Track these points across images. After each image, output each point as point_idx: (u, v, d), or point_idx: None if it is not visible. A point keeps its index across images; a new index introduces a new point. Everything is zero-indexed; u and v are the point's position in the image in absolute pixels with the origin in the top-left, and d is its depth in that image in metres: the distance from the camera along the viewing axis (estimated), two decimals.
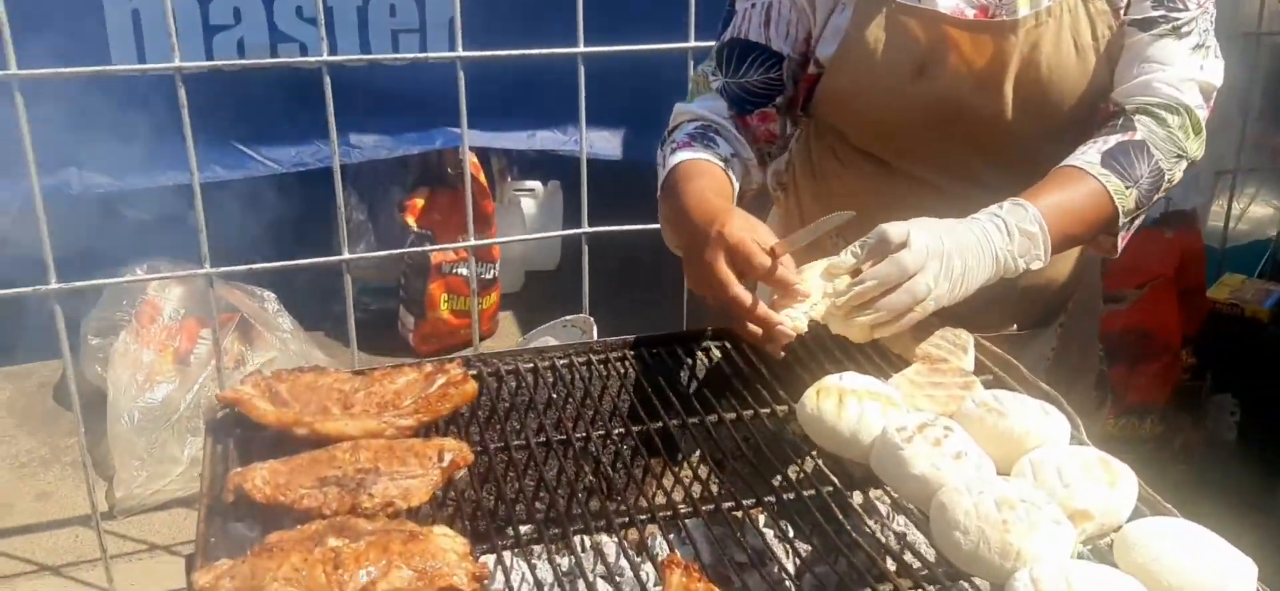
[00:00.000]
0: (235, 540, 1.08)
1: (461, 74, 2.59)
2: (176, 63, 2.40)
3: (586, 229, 2.79)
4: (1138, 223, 1.52)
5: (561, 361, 1.41)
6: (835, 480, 1.20)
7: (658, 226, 1.58)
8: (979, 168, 1.57)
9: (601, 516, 1.15)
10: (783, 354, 1.34)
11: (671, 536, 1.17)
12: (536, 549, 1.13)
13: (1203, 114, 1.51)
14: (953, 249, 1.32)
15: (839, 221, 1.37)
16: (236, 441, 1.23)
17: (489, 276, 4.06)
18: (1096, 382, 1.91)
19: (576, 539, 1.13)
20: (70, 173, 3.27)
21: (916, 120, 1.55)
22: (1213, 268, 3.43)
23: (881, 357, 1.39)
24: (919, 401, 1.25)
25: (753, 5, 1.59)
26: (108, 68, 2.96)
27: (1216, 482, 3.02)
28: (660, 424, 1.30)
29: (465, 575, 1.00)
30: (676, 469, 1.27)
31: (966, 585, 1.01)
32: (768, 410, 1.32)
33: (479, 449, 1.23)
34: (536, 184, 4.40)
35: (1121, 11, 1.51)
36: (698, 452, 1.29)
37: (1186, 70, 1.49)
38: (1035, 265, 1.39)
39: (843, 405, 1.19)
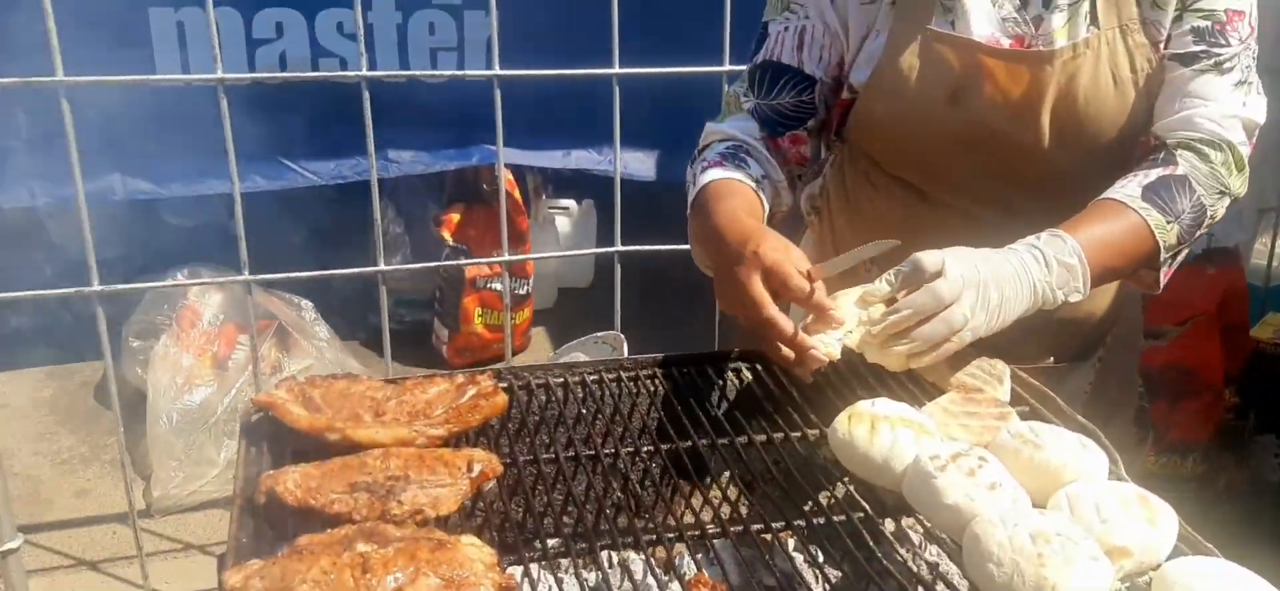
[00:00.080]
0: (266, 542, 1.09)
1: (498, 92, 2.61)
2: (219, 74, 2.44)
3: (619, 247, 2.79)
4: (1180, 258, 1.50)
5: (591, 377, 1.41)
6: (866, 506, 1.19)
7: (689, 246, 1.58)
8: (1013, 197, 1.55)
9: (629, 533, 1.14)
10: (811, 378, 1.33)
11: (699, 556, 1.16)
12: (563, 563, 1.12)
13: (1245, 151, 1.49)
14: (989, 278, 1.31)
15: (877, 251, 1.36)
16: (270, 444, 1.24)
17: (522, 292, 4.08)
18: (1136, 419, 1.88)
19: (603, 555, 1.12)
20: (114, 179, 3.33)
21: (950, 148, 1.54)
22: (1256, 306, 3.37)
23: (915, 385, 1.38)
24: (953, 430, 1.24)
25: (786, 28, 1.59)
26: (151, 77, 3.02)
27: (1260, 524, 2.95)
28: (689, 443, 1.29)
29: (491, 586, 1.00)
30: (705, 489, 1.27)
31: None
32: (799, 434, 1.31)
33: (508, 461, 1.23)
34: (571, 202, 4.42)
35: (1162, 45, 1.50)
36: (727, 473, 1.28)
37: (1229, 107, 1.47)
38: (1074, 297, 1.37)
39: (875, 431, 1.18)
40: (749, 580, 1.12)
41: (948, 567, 1.20)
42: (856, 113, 1.59)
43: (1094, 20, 1.48)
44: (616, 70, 2.64)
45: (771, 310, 1.30)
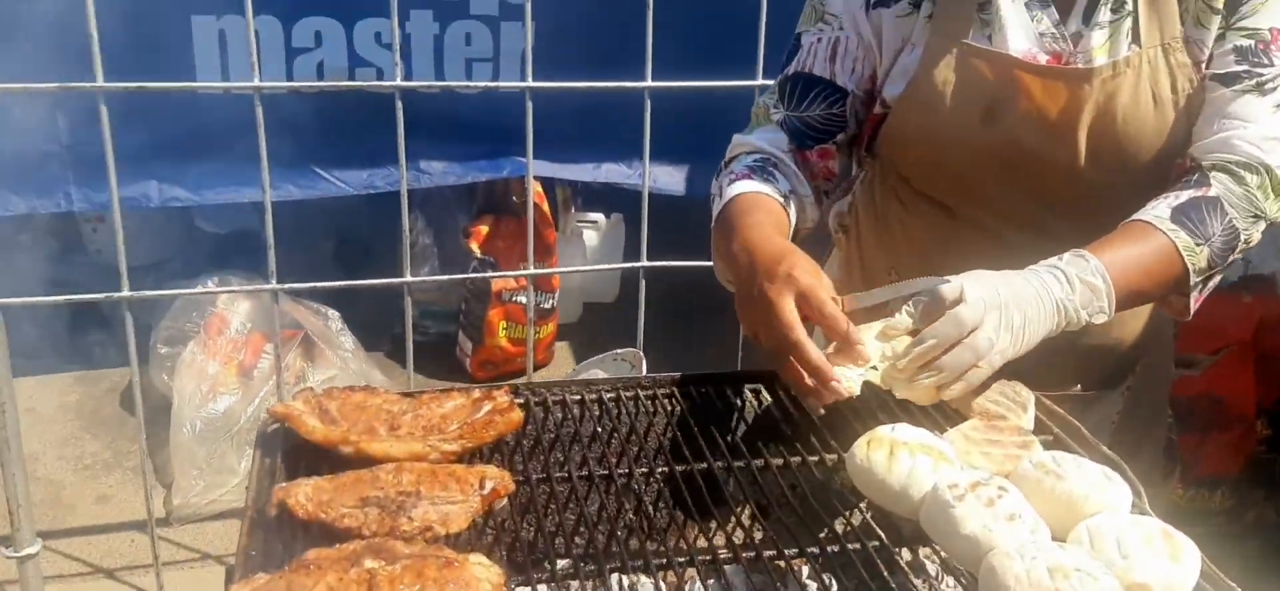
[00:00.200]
0: (275, 555, 1.09)
1: (530, 103, 2.61)
2: (256, 82, 2.46)
3: (645, 263, 2.78)
4: (1212, 283, 1.46)
5: (608, 395, 1.40)
6: (882, 535, 1.16)
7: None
8: (1045, 217, 1.53)
9: (639, 556, 1.13)
10: (823, 411, 1.30)
11: (712, 582, 1.15)
12: (573, 585, 1.11)
13: None
14: (1010, 299, 1.28)
15: (915, 290, 1.32)
16: (284, 455, 1.25)
17: (547, 306, 4.08)
18: (1165, 450, 1.83)
19: (613, 577, 1.11)
20: (150, 186, 3.36)
21: (982, 165, 1.52)
22: None
23: (937, 410, 1.36)
24: (974, 458, 1.21)
25: (819, 39, 1.58)
26: (188, 84, 3.05)
27: None
28: (704, 465, 1.28)
29: None
30: (719, 512, 1.25)
31: None
32: (816, 458, 1.29)
33: (521, 478, 1.22)
34: (599, 216, 4.42)
35: (1204, 65, 1.47)
36: (741, 497, 1.27)
37: (1269, 129, 1.43)
38: (1099, 318, 1.34)
39: (894, 458, 1.16)
40: None
41: None
42: (888, 127, 1.58)
43: (1136, 38, 1.46)
44: (649, 84, 2.64)
45: (801, 334, 1.27)
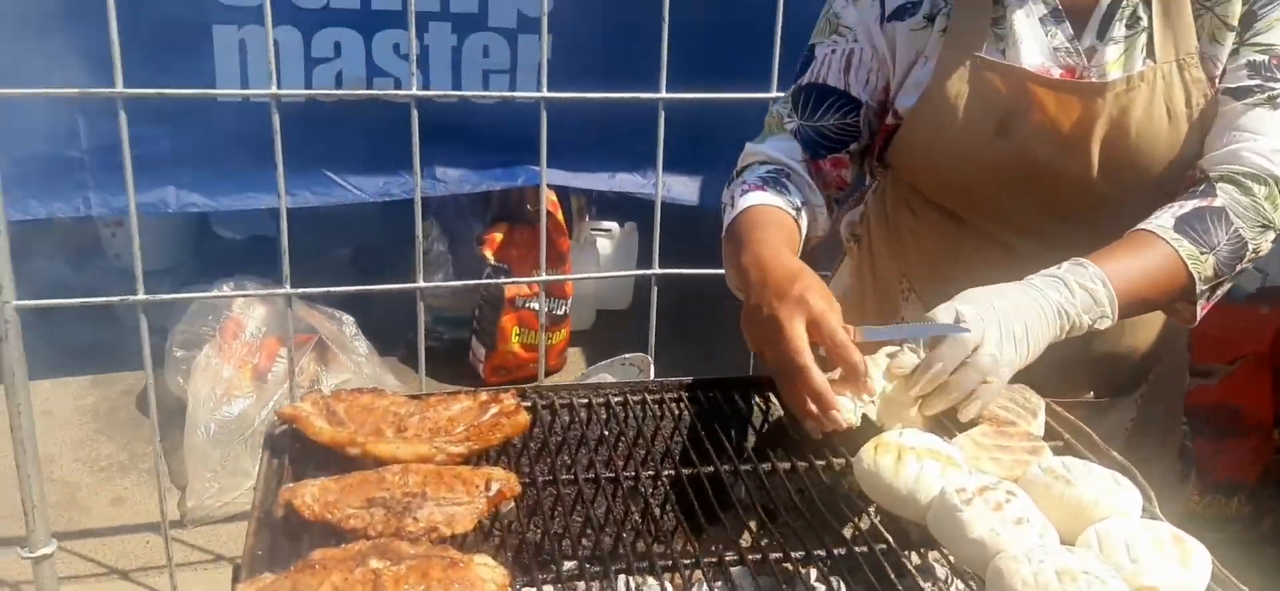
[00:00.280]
0: (282, 555, 1.09)
1: (544, 113, 2.63)
2: (273, 89, 2.48)
3: (656, 270, 2.79)
4: (1219, 292, 1.45)
5: (616, 399, 1.40)
6: (889, 539, 1.16)
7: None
8: (1056, 229, 1.52)
9: (645, 558, 1.12)
10: (819, 435, 1.29)
11: (719, 584, 1.14)
12: (578, 587, 1.11)
13: None
14: (1007, 311, 1.28)
15: (931, 334, 1.31)
16: (292, 457, 1.25)
17: (560, 313, 4.09)
18: (1179, 456, 1.82)
19: (618, 579, 1.11)
20: (168, 192, 3.39)
21: (994, 177, 1.52)
22: None
23: (947, 415, 1.35)
24: (982, 463, 1.21)
25: (834, 50, 1.58)
26: (206, 91, 3.07)
27: None
28: (711, 468, 1.27)
29: None
30: (726, 516, 1.25)
31: None
32: (823, 462, 1.29)
33: (527, 481, 1.22)
34: (613, 225, 4.43)
35: (1217, 80, 1.46)
36: (749, 501, 1.26)
37: (1279, 141, 1.43)
38: (1103, 324, 1.34)
39: (901, 462, 1.16)
40: None
41: None
42: (900, 139, 1.57)
43: (1151, 53, 1.45)
44: (663, 95, 2.65)
45: (808, 358, 1.26)
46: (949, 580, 1.23)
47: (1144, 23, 1.46)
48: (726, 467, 1.27)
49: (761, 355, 1.32)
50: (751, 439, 1.42)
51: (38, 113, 3.13)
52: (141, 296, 2.48)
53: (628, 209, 4.32)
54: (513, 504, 1.18)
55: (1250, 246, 1.41)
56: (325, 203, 3.53)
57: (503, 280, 3.83)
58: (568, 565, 1.13)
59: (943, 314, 1.28)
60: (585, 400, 1.39)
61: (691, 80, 2.72)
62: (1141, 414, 1.68)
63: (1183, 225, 1.39)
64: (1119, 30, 1.46)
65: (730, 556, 1.14)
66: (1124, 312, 1.35)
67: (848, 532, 1.18)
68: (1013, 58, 1.47)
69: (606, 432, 1.36)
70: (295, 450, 1.25)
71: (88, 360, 3.93)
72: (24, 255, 3.97)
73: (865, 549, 1.14)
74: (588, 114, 3.06)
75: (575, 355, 4.34)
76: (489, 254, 4.03)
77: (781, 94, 1.91)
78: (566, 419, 1.37)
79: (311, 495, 1.12)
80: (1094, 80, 1.45)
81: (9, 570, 2.97)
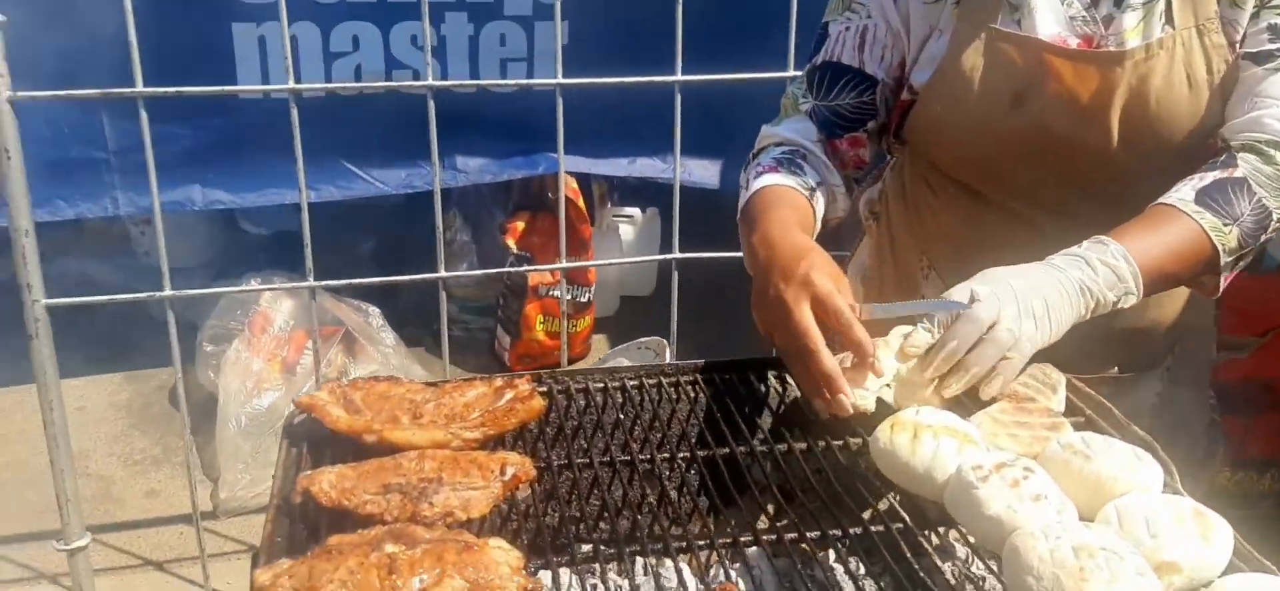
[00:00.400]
0: (300, 541, 1.10)
1: (560, 99, 2.63)
2: (290, 84, 2.49)
3: (676, 255, 2.79)
4: (1243, 262, 1.42)
5: (631, 383, 1.40)
6: (906, 517, 1.15)
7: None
8: (1076, 201, 1.50)
9: (661, 540, 1.13)
10: (828, 415, 1.28)
11: (738, 566, 1.14)
12: (593, 569, 1.11)
13: None
14: (1025, 289, 1.26)
15: (938, 308, 1.30)
16: (310, 445, 1.26)
17: (584, 300, 4.10)
18: (1207, 432, 1.80)
19: (635, 561, 1.11)
20: (194, 189, 3.43)
21: (1011, 150, 1.50)
22: None
23: (967, 393, 1.34)
24: (1001, 440, 1.20)
25: (847, 27, 1.56)
26: (225, 88, 3.10)
27: None
28: (727, 450, 1.27)
29: (517, 589, 1.00)
30: (742, 497, 1.24)
31: None
32: (840, 442, 1.28)
33: (543, 465, 1.23)
34: (635, 210, 4.42)
35: (1238, 45, 1.43)
36: (765, 482, 1.26)
37: None
38: (1128, 301, 1.31)
39: (918, 440, 1.15)
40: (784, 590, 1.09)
41: (993, 584, 1.16)
42: (916, 114, 1.56)
43: (1170, 19, 1.42)
44: (679, 77, 2.64)
45: (815, 340, 1.25)
46: (969, 559, 1.22)
47: None
48: (742, 449, 1.27)
49: (771, 337, 1.31)
50: (768, 420, 1.41)
51: (63, 114, 3.18)
52: (168, 292, 2.51)
53: (649, 194, 4.31)
54: (529, 488, 1.18)
55: (1274, 215, 1.39)
56: (348, 196, 3.56)
57: (524, 268, 3.84)
58: (583, 548, 1.13)
59: (958, 294, 1.26)
60: (601, 384, 1.39)
61: (710, 63, 2.70)
62: (1167, 389, 1.66)
63: (1204, 197, 1.36)
64: None
65: (746, 538, 1.14)
66: (1149, 289, 1.33)
67: (865, 512, 1.18)
68: (1028, 28, 1.45)
69: (622, 416, 1.36)
70: (314, 439, 1.27)
71: (121, 357, 3.98)
72: (57, 255, 4.05)
73: (882, 528, 1.14)
74: (606, 100, 3.06)
75: (600, 341, 4.34)
76: (511, 243, 4.04)
77: (798, 73, 1.91)
78: (582, 403, 1.37)
79: (328, 482, 1.13)
80: (1112, 49, 1.43)
81: (46, 562, 3.02)
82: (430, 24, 2.51)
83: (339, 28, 3.40)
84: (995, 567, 1.07)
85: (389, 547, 1.02)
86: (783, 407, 1.42)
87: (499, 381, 1.31)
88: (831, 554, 1.19)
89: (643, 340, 2.72)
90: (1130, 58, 1.42)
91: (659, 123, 3.11)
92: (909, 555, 1.11)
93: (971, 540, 1.12)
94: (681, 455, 1.28)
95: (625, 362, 2.64)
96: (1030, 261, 1.33)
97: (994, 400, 1.28)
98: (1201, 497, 1.10)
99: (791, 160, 1.55)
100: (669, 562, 1.13)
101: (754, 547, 1.15)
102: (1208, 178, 1.38)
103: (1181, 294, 1.60)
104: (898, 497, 1.19)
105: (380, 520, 1.09)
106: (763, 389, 1.43)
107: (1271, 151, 1.38)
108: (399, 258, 4.35)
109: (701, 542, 1.13)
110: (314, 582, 0.98)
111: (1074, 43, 1.45)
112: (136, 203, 3.37)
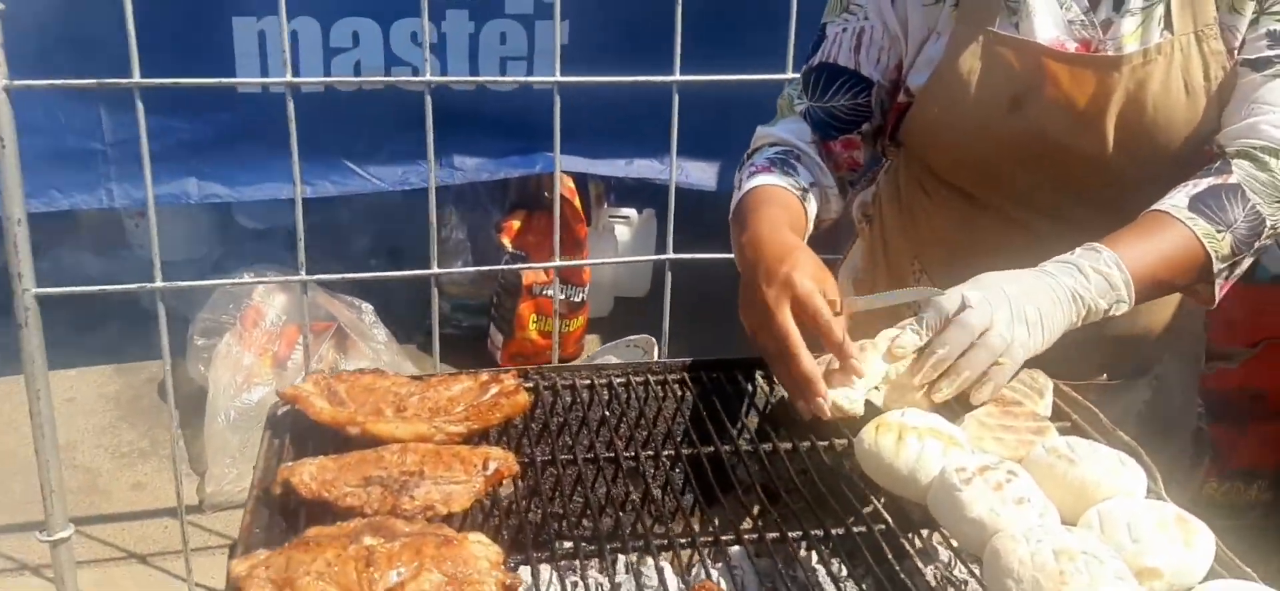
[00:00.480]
0: (279, 533, 1.09)
1: (557, 98, 2.62)
2: (287, 78, 2.49)
3: (670, 255, 2.78)
4: (1239, 270, 1.42)
5: (618, 380, 1.39)
6: (889, 519, 1.15)
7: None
8: (1071, 206, 1.50)
9: (642, 538, 1.12)
10: (810, 417, 1.28)
11: (720, 565, 1.14)
12: (574, 565, 1.11)
13: None
14: (1018, 295, 1.25)
15: (917, 297, 1.30)
16: (293, 437, 1.26)
17: (578, 300, 4.09)
18: (1194, 440, 1.79)
19: (616, 559, 1.10)
20: (190, 183, 3.42)
21: (1007, 154, 1.49)
22: None
23: (956, 400, 1.33)
24: (986, 443, 1.19)
25: (844, 29, 1.56)
26: (221, 80, 3.09)
27: None
28: (712, 449, 1.26)
29: (495, 584, 0.99)
30: (727, 497, 1.24)
31: None
32: (826, 443, 1.28)
33: (527, 461, 1.22)
34: (631, 211, 4.42)
35: (1237, 51, 1.43)
36: (750, 481, 1.26)
37: None
38: (1120, 309, 1.31)
39: (902, 442, 1.15)
40: (765, 590, 1.09)
41: (975, 588, 1.15)
42: (912, 117, 1.55)
43: (1168, 25, 1.42)
44: (677, 77, 2.63)
45: (795, 342, 1.24)
46: (952, 562, 1.22)
47: None
48: (727, 448, 1.27)
49: (754, 337, 1.31)
50: (754, 419, 1.41)
51: (60, 105, 3.17)
52: (159, 283, 2.50)
53: (646, 195, 4.31)
54: (512, 484, 1.18)
55: (1269, 222, 1.38)
56: (345, 192, 3.55)
57: (518, 267, 3.84)
58: (565, 545, 1.13)
59: (949, 299, 1.26)
60: (587, 381, 1.39)
61: (709, 64, 2.70)
62: (1155, 396, 1.65)
63: (1197, 204, 1.36)
64: (1136, 1, 1.42)
65: (728, 537, 1.14)
66: (1141, 296, 1.32)
67: (849, 513, 1.17)
68: (1026, 32, 1.45)
69: (608, 413, 1.35)
70: (297, 430, 1.26)
71: (112, 349, 3.97)
72: (51, 246, 4.04)
73: (865, 530, 1.13)
74: (605, 100, 3.05)
75: (593, 342, 4.33)
76: (507, 241, 4.04)
77: (795, 75, 1.92)
78: (568, 399, 1.37)
79: (309, 473, 1.13)
80: (1110, 54, 1.42)
81: (29, 553, 3.01)
82: (430, 21, 2.51)
83: (339, 23, 3.39)
84: (977, 572, 1.06)
85: (367, 540, 1.02)
86: (769, 407, 1.41)
87: (484, 376, 1.31)
88: (814, 555, 1.19)
89: (631, 338, 2.71)
90: (1128, 63, 1.41)
91: (657, 124, 3.10)
92: (892, 557, 1.10)
93: (954, 543, 1.11)
94: (666, 453, 1.27)
95: (613, 360, 2.63)
96: (1025, 267, 1.32)
97: (982, 404, 1.28)
98: (1188, 506, 1.10)
99: (785, 161, 1.54)
100: (650, 561, 1.13)
101: (737, 547, 1.14)
102: (1202, 184, 1.37)
103: (1171, 302, 1.59)
104: (882, 499, 1.19)
105: (360, 512, 1.09)
106: (749, 388, 1.42)
107: (1267, 158, 1.37)
108: (395, 255, 4.36)
109: (683, 541, 1.12)
110: (291, 573, 0.98)
111: (1072, 47, 1.44)
112: (131, 195, 3.36)
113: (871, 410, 1.28)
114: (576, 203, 3.97)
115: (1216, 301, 1.43)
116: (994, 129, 1.48)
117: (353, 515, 1.09)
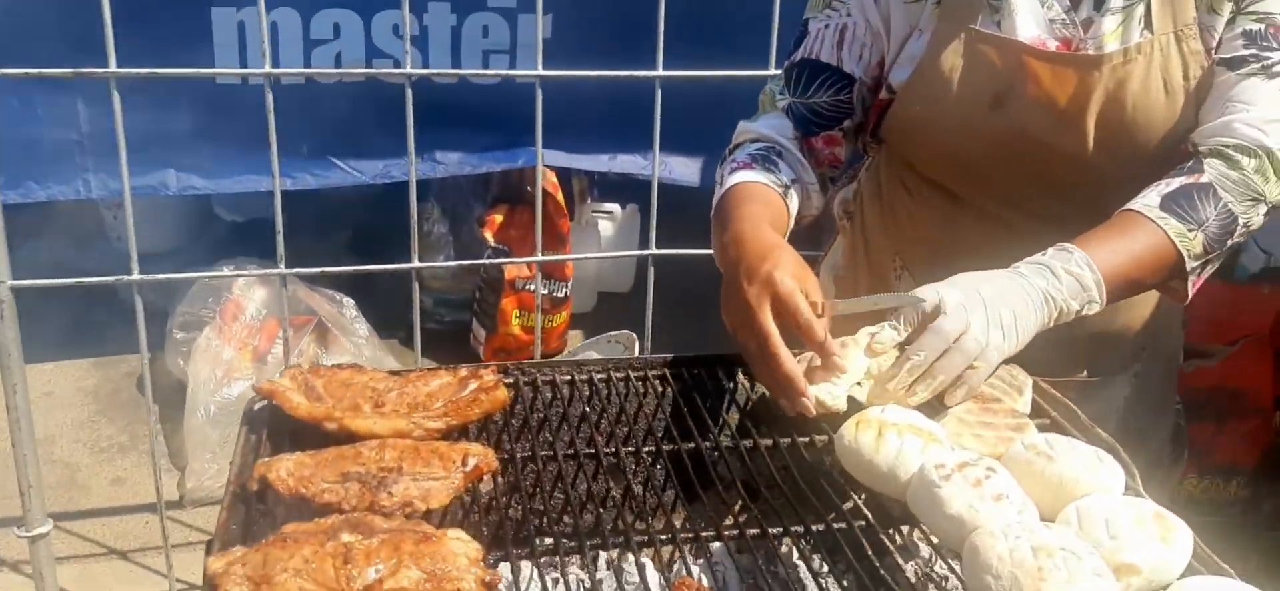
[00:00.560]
0: (256, 529, 1.08)
1: (539, 92, 2.61)
2: (266, 68, 2.47)
3: (653, 251, 2.78)
4: (1211, 268, 1.43)
5: (599, 376, 1.39)
6: (870, 515, 1.15)
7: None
8: (1052, 204, 1.50)
9: (623, 535, 1.12)
10: (794, 413, 1.28)
11: (701, 561, 1.14)
12: (555, 562, 1.10)
13: None
14: (993, 296, 1.26)
15: (899, 303, 1.30)
16: (270, 432, 1.25)
17: (561, 295, 4.08)
18: (1173, 436, 1.81)
19: (597, 556, 1.10)
20: (168, 174, 3.39)
21: (989, 152, 1.50)
22: None
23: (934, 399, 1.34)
24: (965, 440, 1.20)
25: (827, 25, 1.56)
26: (199, 71, 3.06)
27: None
28: (693, 445, 1.26)
29: (474, 581, 0.99)
30: (707, 493, 1.24)
31: None
32: (806, 439, 1.28)
33: (506, 457, 1.22)
34: (615, 206, 4.41)
35: (1214, 50, 1.44)
36: (731, 478, 1.25)
37: (1274, 111, 1.39)
38: (1091, 309, 1.32)
39: (882, 438, 1.15)
40: (747, 587, 1.09)
41: (955, 584, 1.15)
42: (894, 114, 1.56)
43: (1148, 24, 1.43)
44: (660, 73, 2.63)
45: (775, 342, 1.24)
46: (931, 558, 1.22)
47: None
48: (708, 444, 1.26)
49: (736, 335, 1.31)
50: (735, 415, 1.41)
51: (36, 95, 3.14)
52: (136, 276, 2.48)
53: (630, 191, 4.30)
54: (491, 480, 1.17)
55: (1240, 221, 1.39)
56: (325, 185, 3.52)
57: (500, 261, 3.82)
58: (545, 542, 1.12)
59: (927, 301, 1.26)
60: (567, 377, 1.38)
61: (693, 60, 2.69)
62: (1134, 393, 1.66)
63: (1170, 203, 1.37)
64: (1117, 1, 1.43)
65: (709, 533, 1.13)
66: (1112, 296, 1.33)
67: (829, 509, 1.17)
68: (1008, 30, 1.45)
69: (588, 409, 1.35)
70: (274, 425, 1.25)
71: (90, 342, 3.93)
72: (28, 238, 4.00)
73: (845, 526, 1.13)
74: (588, 94, 3.04)
75: (576, 337, 4.33)
76: (489, 235, 4.02)
77: (778, 72, 1.92)
78: (548, 395, 1.36)
79: (286, 469, 1.12)
80: (1090, 53, 1.43)
81: (7, 549, 2.98)
82: (412, 13, 2.49)
83: (320, 14, 3.36)
84: (957, 568, 1.06)
85: (345, 537, 1.01)
86: (750, 403, 1.41)
87: (463, 372, 1.30)
88: (795, 551, 1.19)
89: (612, 334, 2.71)
90: (1108, 62, 1.42)
91: (640, 118, 3.10)
92: (872, 553, 1.11)
93: (934, 539, 1.12)
94: (647, 449, 1.27)
95: (594, 356, 2.63)
96: (1005, 264, 1.33)
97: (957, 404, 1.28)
98: (1167, 502, 1.11)
99: (766, 157, 1.54)
100: (631, 557, 1.12)
101: (718, 543, 1.14)
102: (1174, 183, 1.38)
103: (1151, 299, 1.60)
104: (862, 495, 1.19)
105: (338, 509, 1.08)
106: (730, 384, 1.42)
107: (1238, 156, 1.38)
108: (376, 248, 4.32)
109: (664, 537, 1.12)
110: (268, 571, 0.97)
111: (1053, 45, 1.45)
112: (109, 186, 3.32)
113: (855, 405, 1.28)
114: (559, 197, 3.95)
115: (1189, 297, 1.45)
116: (975, 127, 1.48)
117: (330, 511, 1.08)
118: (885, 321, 1.30)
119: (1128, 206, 1.39)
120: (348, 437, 1.19)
